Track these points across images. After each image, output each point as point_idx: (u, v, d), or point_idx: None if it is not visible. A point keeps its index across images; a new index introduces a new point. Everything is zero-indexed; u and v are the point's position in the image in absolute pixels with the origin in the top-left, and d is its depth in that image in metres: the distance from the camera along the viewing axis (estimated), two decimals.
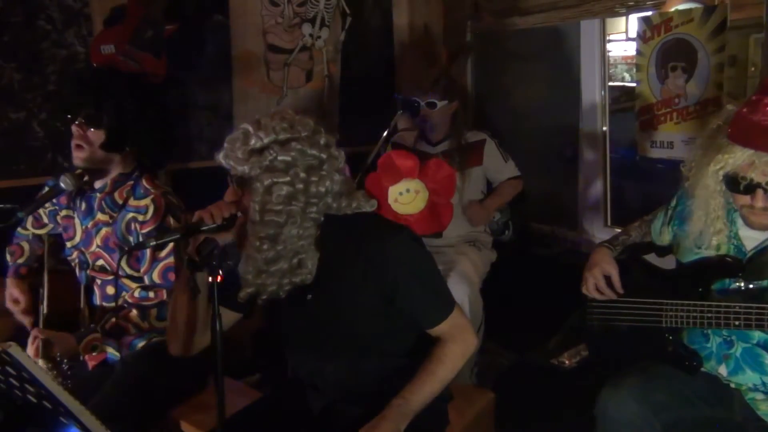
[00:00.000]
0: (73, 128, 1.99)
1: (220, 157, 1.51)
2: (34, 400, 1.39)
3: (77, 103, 1.99)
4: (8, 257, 2.24)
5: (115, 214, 2.05)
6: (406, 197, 2.89)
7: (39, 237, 2.28)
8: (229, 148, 1.49)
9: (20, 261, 2.24)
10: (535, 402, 2.70)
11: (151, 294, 2.02)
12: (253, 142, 1.47)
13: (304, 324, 1.63)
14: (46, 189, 2.07)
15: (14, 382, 1.37)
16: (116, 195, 2.06)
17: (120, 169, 2.07)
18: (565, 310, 2.03)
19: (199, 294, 1.53)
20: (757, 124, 1.53)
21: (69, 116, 2.00)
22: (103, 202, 2.06)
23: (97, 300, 2.11)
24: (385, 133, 2.90)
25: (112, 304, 2.06)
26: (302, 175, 1.48)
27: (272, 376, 2.82)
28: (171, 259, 2.00)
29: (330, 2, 3.57)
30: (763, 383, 1.67)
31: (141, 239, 2.00)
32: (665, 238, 1.92)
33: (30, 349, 1.89)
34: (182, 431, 1.98)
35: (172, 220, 2.02)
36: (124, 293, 2.06)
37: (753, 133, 1.53)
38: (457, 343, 1.60)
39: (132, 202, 2.04)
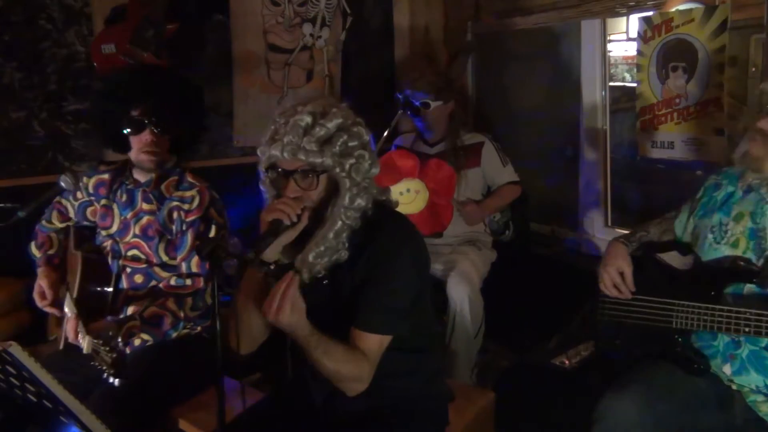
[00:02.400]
0: (143, 136, 2.02)
1: (280, 151, 1.47)
2: (34, 399, 1.39)
3: (145, 110, 2.01)
4: (36, 250, 2.25)
5: (161, 205, 2.10)
6: (406, 197, 2.90)
7: (67, 228, 2.29)
8: (295, 142, 1.46)
9: (51, 252, 2.25)
10: (535, 402, 2.69)
11: (188, 282, 2.06)
12: (317, 130, 1.47)
13: (314, 308, 1.61)
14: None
15: (14, 381, 1.38)
16: (163, 188, 2.12)
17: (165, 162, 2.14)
18: (565, 310, 2.03)
19: None
20: None
21: (129, 128, 2.03)
22: (150, 195, 2.12)
23: (124, 286, 2.12)
24: (385, 133, 2.91)
25: (140, 292, 2.09)
26: (366, 155, 1.53)
27: (272, 376, 2.82)
28: None
29: (331, 2, 3.57)
30: (766, 386, 1.66)
31: (183, 227, 2.06)
32: (689, 231, 1.89)
33: (69, 329, 1.89)
34: (182, 430, 1.98)
35: (214, 212, 2.08)
36: (153, 281, 2.09)
37: None
38: (365, 366, 1.52)
39: (177, 193, 2.10)
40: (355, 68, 3.75)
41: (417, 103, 2.89)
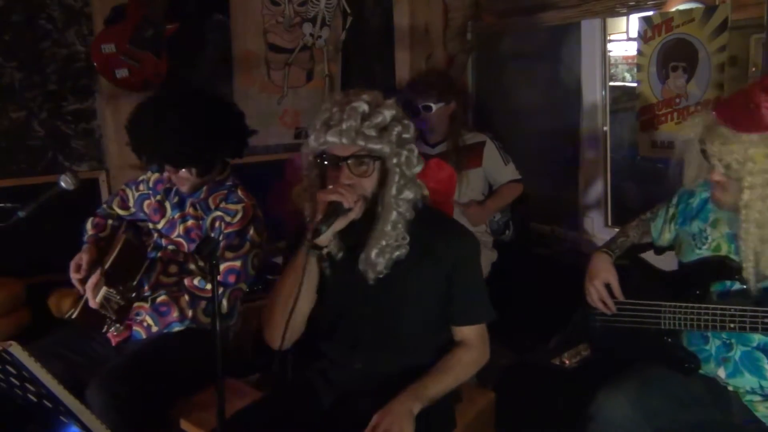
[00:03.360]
0: (165, 173, 2.09)
1: (336, 136, 1.46)
2: (34, 399, 1.39)
3: (156, 161, 2.05)
4: (89, 227, 2.26)
5: (205, 216, 2.13)
6: None
7: (120, 218, 2.32)
8: (355, 127, 1.45)
9: (102, 234, 2.26)
10: (535, 402, 2.69)
11: (209, 287, 2.03)
12: (375, 117, 1.47)
13: (355, 304, 1.64)
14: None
15: (14, 381, 1.37)
16: (210, 200, 2.15)
17: (214, 176, 2.15)
18: (565, 310, 2.03)
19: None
20: (736, 102, 1.57)
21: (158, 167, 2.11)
22: (197, 205, 2.15)
23: (155, 273, 2.10)
24: None
25: (173, 279, 2.09)
26: (415, 150, 1.55)
27: (272, 376, 2.82)
28: (238, 263, 2.04)
29: (331, 2, 3.57)
30: (761, 387, 1.67)
31: (220, 237, 2.06)
32: (666, 236, 1.92)
33: (91, 279, 1.95)
34: (182, 430, 1.98)
35: (252, 230, 2.08)
36: (184, 275, 2.09)
37: (727, 107, 1.58)
38: (477, 353, 1.66)
39: (223, 205, 2.12)
40: (355, 68, 3.75)
41: (419, 106, 2.89)
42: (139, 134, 2.04)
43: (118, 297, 1.87)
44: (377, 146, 1.47)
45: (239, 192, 2.16)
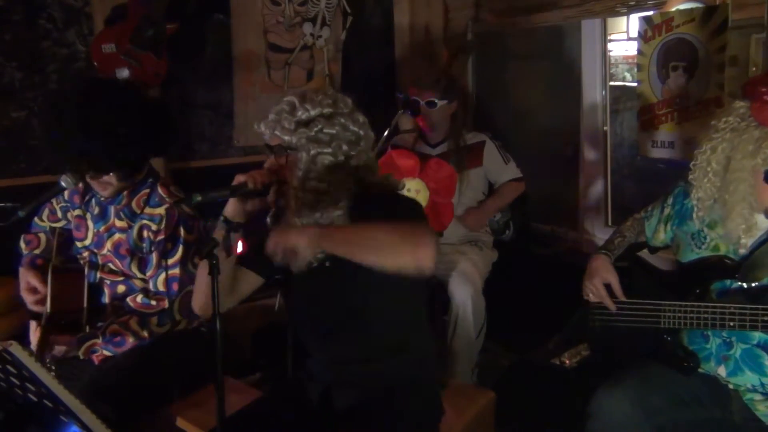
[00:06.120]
0: (87, 178, 1.99)
1: (264, 127, 1.57)
2: (34, 398, 1.39)
3: (79, 165, 1.94)
4: (23, 246, 2.22)
5: (132, 223, 2.05)
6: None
7: (54, 230, 2.27)
8: (276, 119, 1.56)
9: (37, 252, 2.22)
10: (535, 402, 2.69)
11: (153, 302, 2.02)
12: (300, 113, 1.54)
13: (318, 292, 1.65)
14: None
15: (15, 381, 1.38)
16: (134, 204, 2.06)
17: (134, 177, 2.08)
18: (565, 310, 2.03)
19: (233, 254, 1.59)
20: None
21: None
22: (121, 212, 2.07)
23: (106, 299, 2.11)
24: (386, 133, 2.90)
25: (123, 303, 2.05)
26: (344, 147, 1.56)
27: (272, 376, 2.82)
28: (177, 270, 2.00)
29: (331, 1, 3.57)
30: (762, 384, 1.67)
31: (152, 248, 2.01)
32: (660, 236, 1.92)
33: (32, 339, 1.93)
34: (180, 428, 1.98)
35: (183, 231, 2.01)
36: (133, 292, 2.06)
37: None
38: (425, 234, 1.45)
39: (147, 210, 2.04)
40: (356, 68, 3.75)
41: (422, 102, 2.88)
42: (63, 134, 1.89)
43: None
44: (287, 137, 1.54)
45: (160, 191, 2.06)
